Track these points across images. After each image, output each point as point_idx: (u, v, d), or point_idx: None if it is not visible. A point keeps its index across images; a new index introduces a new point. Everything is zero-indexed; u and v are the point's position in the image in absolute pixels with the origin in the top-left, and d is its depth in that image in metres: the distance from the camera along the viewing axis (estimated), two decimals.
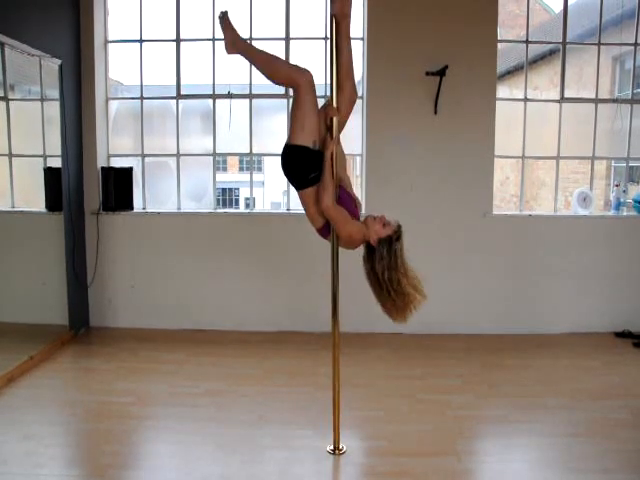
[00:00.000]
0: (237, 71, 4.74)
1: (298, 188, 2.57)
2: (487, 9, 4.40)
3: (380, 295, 2.51)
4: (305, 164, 2.51)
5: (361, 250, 2.64)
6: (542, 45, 6.66)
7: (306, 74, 2.50)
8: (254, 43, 4.61)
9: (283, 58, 2.65)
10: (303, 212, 2.66)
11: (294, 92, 2.54)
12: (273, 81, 2.62)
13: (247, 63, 4.66)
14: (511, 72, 7.87)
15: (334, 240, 2.63)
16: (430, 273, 4.54)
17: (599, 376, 3.75)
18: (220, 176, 5.96)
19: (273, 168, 14.86)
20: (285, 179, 2.64)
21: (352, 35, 2.61)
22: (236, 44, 2.61)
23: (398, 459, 2.70)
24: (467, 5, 4.37)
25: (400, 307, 2.50)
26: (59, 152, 4.22)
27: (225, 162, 18.13)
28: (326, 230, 2.63)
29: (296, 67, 2.55)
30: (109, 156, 4.77)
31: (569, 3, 4.70)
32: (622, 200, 4.74)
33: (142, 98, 4.74)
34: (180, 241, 4.66)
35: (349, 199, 2.61)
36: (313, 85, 2.52)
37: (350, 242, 2.56)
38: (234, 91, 4.70)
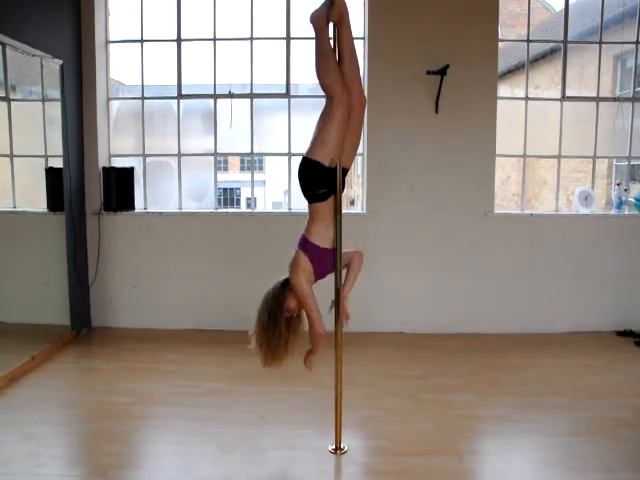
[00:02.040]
0: (238, 71, 4.74)
1: (308, 201, 2.57)
2: (488, 8, 4.39)
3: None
4: (316, 180, 2.50)
5: (365, 251, 2.72)
6: (543, 44, 6.65)
7: (346, 95, 2.46)
8: (255, 43, 4.63)
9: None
10: (304, 211, 2.66)
11: (327, 101, 2.50)
12: (317, 75, 2.54)
13: (247, 63, 4.71)
14: (512, 71, 7.87)
15: (338, 240, 2.62)
16: (431, 272, 4.58)
17: (600, 375, 3.74)
18: (221, 176, 5.97)
19: (274, 168, 14.87)
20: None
21: (354, 35, 2.60)
22: (319, 20, 2.51)
23: (399, 459, 2.69)
24: (468, 4, 4.36)
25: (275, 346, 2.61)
26: (60, 152, 4.22)
27: (226, 162, 18.12)
28: (327, 257, 2.60)
29: (345, 84, 2.49)
30: (110, 156, 4.78)
31: (570, 2, 4.69)
32: (624, 199, 4.74)
33: (143, 98, 4.75)
34: (181, 241, 4.66)
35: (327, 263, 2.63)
36: (349, 107, 2.49)
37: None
38: (235, 91, 4.70)
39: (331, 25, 2.53)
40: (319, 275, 2.63)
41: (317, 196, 2.52)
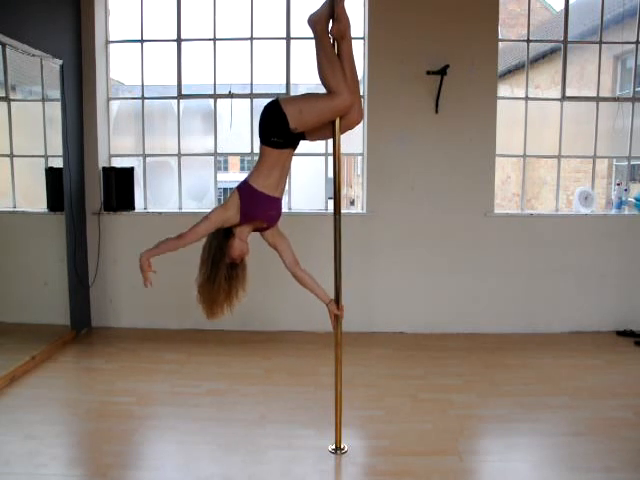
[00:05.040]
0: (238, 71, 4.74)
1: (261, 141, 2.54)
2: (488, 8, 4.39)
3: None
4: (274, 129, 2.47)
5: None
6: (543, 44, 6.65)
7: (350, 99, 2.45)
8: (255, 43, 4.63)
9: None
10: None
11: (331, 93, 2.46)
12: (322, 79, 2.52)
13: (247, 63, 4.71)
14: (512, 71, 7.87)
15: (337, 240, 2.62)
16: (431, 272, 4.59)
17: (601, 375, 3.74)
18: (221, 176, 5.96)
19: None
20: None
21: (353, 35, 2.59)
22: (319, 23, 2.51)
23: (400, 458, 2.70)
24: (468, 4, 4.36)
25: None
26: (60, 152, 4.22)
27: (226, 162, 18.11)
28: (259, 201, 2.55)
29: (350, 89, 2.48)
30: (110, 156, 4.78)
31: (570, 1, 4.69)
32: (624, 199, 4.74)
33: (143, 98, 4.75)
34: None
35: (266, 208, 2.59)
36: (348, 112, 2.51)
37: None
38: (235, 91, 4.70)
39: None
40: (245, 216, 2.54)
41: (269, 142, 2.50)
